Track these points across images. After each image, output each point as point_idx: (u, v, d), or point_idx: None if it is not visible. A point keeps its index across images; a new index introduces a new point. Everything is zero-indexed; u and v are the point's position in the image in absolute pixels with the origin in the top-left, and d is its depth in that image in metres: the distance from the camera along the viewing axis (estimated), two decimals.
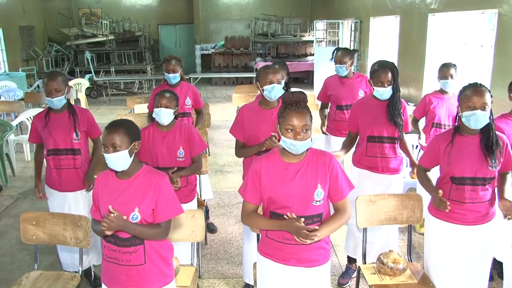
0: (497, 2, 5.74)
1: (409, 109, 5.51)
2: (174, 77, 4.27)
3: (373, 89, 3.25)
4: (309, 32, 15.51)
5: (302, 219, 2.08)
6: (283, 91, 3.09)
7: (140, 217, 2.19)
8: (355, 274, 3.49)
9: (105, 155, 2.17)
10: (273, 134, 2.82)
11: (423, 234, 3.31)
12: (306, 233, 2.06)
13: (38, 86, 12.06)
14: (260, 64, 13.10)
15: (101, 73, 13.41)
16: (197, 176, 4.03)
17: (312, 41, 13.93)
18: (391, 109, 3.23)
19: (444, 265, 2.73)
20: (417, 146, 4.61)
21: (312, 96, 6.48)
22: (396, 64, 3.32)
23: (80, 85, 10.35)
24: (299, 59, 14.67)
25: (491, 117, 2.54)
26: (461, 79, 5.51)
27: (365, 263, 3.04)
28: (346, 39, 12.70)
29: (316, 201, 2.18)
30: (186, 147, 3.19)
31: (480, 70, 6.55)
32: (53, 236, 2.92)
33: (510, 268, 3.05)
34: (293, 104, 2.13)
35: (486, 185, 2.60)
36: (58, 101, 3.21)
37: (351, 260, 3.67)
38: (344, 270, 3.70)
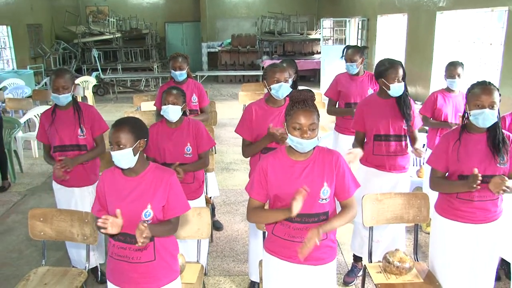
0: (507, 0, 5.69)
1: (416, 108, 5.49)
2: (180, 75, 4.27)
3: (389, 87, 3.19)
4: (315, 30, 15.46)
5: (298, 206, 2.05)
6: (291, 90, 3.09)
7: (152, 214, 2.21)
8: (361, 273, 3.48)
9: (111, 152, 2.18)
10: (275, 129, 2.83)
11: (429, 233, 3.30)
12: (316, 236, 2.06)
13: (45, 83, 12.13)
14: (266, 62, 13.09)
15: (108, 70, 13.47)
16: (204, 174, 4.05)
17: (318, 39, 13.88)
18: (403, 103, 3.21)
19: (450, 264, 2.71)
20: (424, 145, 4.59)
21: (319, 95, 6.46)
22: (403, 63, 3.30)
23: (87, 82, 10.40)
24: (305, 57, 14.64)
25: (499, 116, 2.52)
26: (469, 77, 5.48)
27: (371, 262, 3.04)
28: (353, 37, 12.65)
29: (322, 199, 2.18)
30: (194, 143, 3.20)
31: (489, 68, 6.50)
32: (61, 233, 2.94)
33: None
34: (301, 102, 2.12)
35: None
36: (65, 98, 3.25)
37: (357, 259, 3.66)
38: (350, 268, 3.69)
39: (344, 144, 4.18)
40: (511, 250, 3.11)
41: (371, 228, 3.03)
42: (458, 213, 2.62)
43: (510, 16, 5.64)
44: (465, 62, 4.09)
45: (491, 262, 2.73)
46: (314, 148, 2.20)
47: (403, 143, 3.31)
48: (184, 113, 3.26)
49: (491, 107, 2.46)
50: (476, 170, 2.39)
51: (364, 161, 3.42)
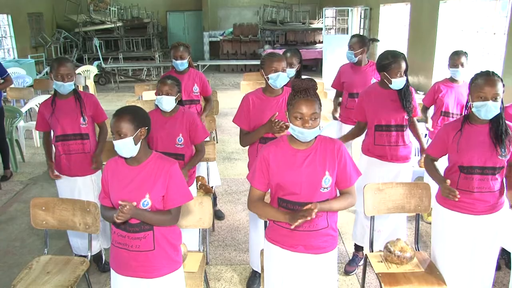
0: None
1: (419, 98, 5.48)
2: (182, 64, 4.25)
3: (391, 81, 3.17)
4: (318, 19, 15.37)
5: (302, 220, 2.07)
6: (288, 79, 3.08)
7: (151, 204, 2.21)
8: (362, 262, 3.50)
9: (113, 142, 2.18)
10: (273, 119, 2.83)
11: (430, 223, 3.31)
12: (303, 214, 2.05)
13: (47, 73, 12.10)
14: (268, 51, 13.02)
15: (109, 60, 13.42)
16: (205, 163, 4.06)
17: (321, 29, 13.80)
18: (403, 96, 3.20)
19: (451, 254, 2.72)
20: (426, 134, 4.58)
21: (321, 84, 6.44)
22: (405, 52, 3.29)
23: (88, 72, 10.37)
24: (307, 46, 14.57)
25: (502, 106, 2.50)
26: (472, 67, 5.44)
27: (372, 251, 3.05)
28: (355, 27, 12.55)
29: (324, 188, 2.18)
30: (186, 134, 3.21)
31: (492, 58, 6.46)
32: (63, 222, 2.95)
33: None
34: (302, 91, 2.11)
35: (495, 175, 2.58)
36: (69, 86, 3.26)
37: (358, 248, 3.68)
38: (351, 258, 3.71)
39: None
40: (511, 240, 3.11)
41: (372, 218, 3.03)
42: (458, 203, 2.62)
43: None
44: (468, 52, 4.06)
45: (492, 252, 2.74)
46: (316, 137, 2.19)
47: (405, 133, 3.30)
48: (179, 102, 3.26)
49: (494, 99, 2.44)
50: (448, 181, 2.54)
51: (365, 151, 3.42)
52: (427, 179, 3.57)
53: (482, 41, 6.89)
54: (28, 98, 7.29)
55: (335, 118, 4.65)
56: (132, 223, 2.22)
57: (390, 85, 3.18)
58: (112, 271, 2.38)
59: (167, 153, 3.05)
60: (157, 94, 3.16)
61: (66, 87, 3.24)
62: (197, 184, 3.77)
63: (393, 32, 10.47)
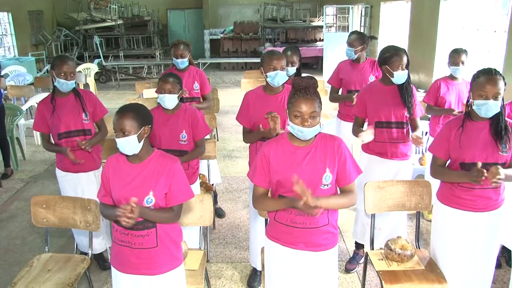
0: None
1: (420, 96, 5.47)
2: (182, 62, 4.25)
3: (392, 74, 3.16)
4: (318, 17, 15.34)
5: (305, 199, 2.02)
6: (287, 78, 3.08)
7: (154, 201, 2.21)
8: (362, 260, 3.51)
9: (116, 139, 2.18)
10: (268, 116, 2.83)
11: (431, 221, 3.31)
12: (309, 206, 2.02)
13: (47, 71, 12.10)
14: (268, 49, 13.01)
15: (110, 58, 13.42)
16: (206, 161, 4.06)
17: (321, 27, 13.79)
18: (405, 91, 3.20)
19: (451, 251, 2.72)
20: (426, 132, 4.58)
21: (322, 82, 6.43)
22: (406, 50, 3.28)
23: (89, 70, 10.37)
24: (308, 44, 14.55)
25: (502, 104, 2.50)
26: (473, 65, 5.43)
27: (373, 249, 3.05)
28: (356, 25, 12.54)
29: (324, 185, 2.18)
30: (189, 131, 3.21)
31: (493, 56, 6.45)
32: (63, 220, 2.95)
33: None
34: (302, 90, 2.11)
35: None
36: (72, 84, 3.29)
37: (359, 246, 3.68)
38: (351, 255, 3.71)
39: (347, 131, 4.18)
40: None
41: (373, 216, 3.03)
42: (460, 201, 2.62)
43: None
44: (468, 50, 4.05)
45: (492, 250, 2.74)
46: (316, 134, 2.19)
47: (405, 130, 3.30)
48: (181, 100, 3.25)
49: (495, 98, 2.44)
50: (479, 164, 2.37)
51: (365, 148, 3.42)
52: (428, 177, 3.57)
53: (482, 39, 6.87)
54: (28, 96, 7.29)
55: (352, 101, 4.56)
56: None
57: (392, 79, 3.18)
58: (113, 268, 2.38)
59: (170, 150, 3.06)
60: (158, 92, 3.16)
61: (69, 85, 3.25)
62: None
63: (394, 30, 10.46)
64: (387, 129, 3.27)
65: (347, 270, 3.59)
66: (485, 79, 2.46)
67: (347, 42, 4.30)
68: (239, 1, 17.04)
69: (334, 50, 10.96)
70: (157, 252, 2.28)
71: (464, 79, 3.99)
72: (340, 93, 4.48)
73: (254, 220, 3.31)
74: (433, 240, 2.91)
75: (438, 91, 4.05)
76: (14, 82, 8.74)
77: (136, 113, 2.20)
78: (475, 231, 2.65)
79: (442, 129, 2.74)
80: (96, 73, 11.22)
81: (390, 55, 3.17)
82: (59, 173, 3.46)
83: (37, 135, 6.87)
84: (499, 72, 2.48)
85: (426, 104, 4.17)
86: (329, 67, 10.87)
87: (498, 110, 2.47)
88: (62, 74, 3.21)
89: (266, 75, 3.02)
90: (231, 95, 9.95)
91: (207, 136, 3.51)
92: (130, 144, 2.17)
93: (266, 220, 2.77)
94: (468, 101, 2.61)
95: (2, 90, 5.47)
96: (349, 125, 4.21)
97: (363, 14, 11.95)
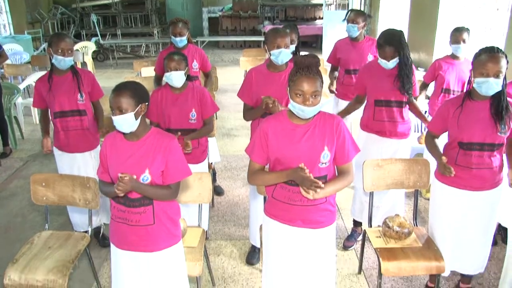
0: None
1: (420, 75, 5.45)
2: (180, 41, 4.21)
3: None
4: None
5: (307, 171, 2.06)
6: (291, 56, 3.05)
7: (150, 179, 2.21)
8: (360, 238, 3.54)
9: (112, 117, 2.17)
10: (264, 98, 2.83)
11: (429, 199, 3.33)
12: (311, 181, 2.04)
13: (44, 49, 11.97)
14: (268, 27, 12.87)
15: (107, 36, 13.27)
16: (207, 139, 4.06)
17: (321, 4, 13.62)
18: (401, 78, 3.17)
19: (448, 229, 2.75)
20: (426, 111, 4.57)
21: (321, 61, 6.38)
22: (406, 29, 3.25)
23: (86, 48, 10.26)
24: (307, 22, 14.39)
25: (504, 83, 2.49)
26: (474, 43, 5.39)
27: (371, 227, 3.07)
28: (356, 3, 12.38)
29: (322, 163, 2.18)
30: (198, 109, 3.19)
31: (495, 34, 6.39)
32: (63, 197, 2.97)
33: None
34: (305, 68, 2.09)
35: (494, 151, 2.58)
36: (69, 61, 3.25)
37: (357, 224, 3.71)
38: (349, 233, 3.74)
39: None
40: (509, 216, 3.13)
41: (371, 194, 3.05)
42: (457, 180, 2.64)
43: None
44: (470, 28, 4.01)
45: (488, 228, 2.77)
46: None
47: (404, 109, 3.29)
48: (188, 78, 3.23)
49: (496, 76, 2.42)
50: (444, 159, 2.56)
51: (364, 126, 3.42)
52: (427, 155, 3.58)
53: (484, 17, 6.80)
54: (25, 75, 7.23)
55: (331, 91, 4.62)
56: (132, 197, 2.23)
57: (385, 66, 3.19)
58: (112, 245, 2.40)
59: (180, 129, 3.06)
60: (165, 71, 3.12)
61: (66, 62, 3.22)
62: None
63: (395, 8, 10.34)
64: (387, 107, 3.26)
65: (345, 247, 3.62)
66: (487, 57, 2.44)
67: (348, 19, 4.25)
68: None
69: (333, 28, 10.84)
70: (154, 229, 2.29)
71: (466, 58, 3.96)
72: (338, 72, 4.48)
73: (253, 198, 3.32)
74: (430, 218, 2.93)
75: (437, 70, 4.03)
76: (10, 61, 8.63)
77: (133, 91, 2.19)
78: (472, 209, 2.68)
79: (441, 106, 2.75)
80: (94, 51, 11.11)
81: (379, 45, 3.18)
82: (56, 151, 3.47)
83: (35, 113, 6.84)
84: (501, 50, 2.46)
85: (421, 81, 4.17)
86: (328, 45, 10.73)
87: (499, 88, 2.46)
88: (60, 51, 3.18)
89: (270, 53, 3.00)
90: (230, 74, 9.88)
91: (217, 111, 3.50)
92: (127, 122, 2.16)
93: (265, 197, 2.78)
94: (469, 79, 2.59)
95: None
96: (345, 103, 4.20)
97: None
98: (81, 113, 3.35)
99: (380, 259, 2.71)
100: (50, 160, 5.29)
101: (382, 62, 3.19)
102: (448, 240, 2.76)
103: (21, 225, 4.06)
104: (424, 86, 4.19)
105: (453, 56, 4.01)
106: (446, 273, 2.80)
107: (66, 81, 3.30)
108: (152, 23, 15.36)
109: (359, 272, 3.32)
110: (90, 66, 9.56)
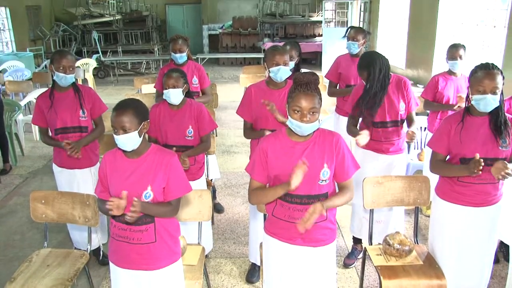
0: None
1: (418, 91, 5.47)
2: (181, 57, 4.24)
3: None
4: (317, 12, 15.30)
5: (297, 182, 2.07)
6: (290, 73, 3.08)
7: (152, 196, 2.21)
8: (361, 255, 3.51)
9: (115, 136, 2.17)
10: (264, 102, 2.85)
11: (429, 216, 3.31)
12: (318, 208, 2.07)
13: (45, 66, 12.05)
14: (267, 44, 12.98)
15: (108, 53, 13.38)
16: (205, 156, 4.06)
17: (320, 22, 13.76)
18: (366, 102, 3.18)
19: (449, 246, 2.73)
20: (425, 128, 4.58)
21: (320, 78, 6.41)
22: (405, 45, 3.28)
23: (87, 65, 10.34)
24: (307, 39, 14.51)
25: (502, 98, 2.50)
26: (472, 60, 5.43)
27: (371, 244, 3.05)
28: (355, 20, 12.52)
29: (322, 180, 2.18)
30: (195, 126, 3.20)
31: (492, 51, 6.45)
32: (62, 215, 2.95)
33: None
34: (303, 85, 2.11)
35: None
36: (71, 78, 3.27)
37: (357, 241, 3.69)
38: (350, 251, 3.72)
39: (345, 126, 4.18)
40: (510, 233, 3.12)
41: (371, 211, 3.04)
42: (459, 196, 2.63)
43: None
44: (468, 45, 4.05)
45: (490, 245, 2.75)
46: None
47: (400, 127, 3.31)
48: (186, 94, 3.25)
49: (493, 92, 2.44)
50: (477, 156, 2.38)
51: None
52: (426, 172, 3.57)
53: (482, 34, 6.87)
54: (27, 92, 7.27)
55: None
56: None
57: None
58: (111, 264, 2.39)
59: (177, 146, 3.07)
60: (163, 89, 3.14)
61: (68, 79, 3.24)
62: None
63: (393, 25, 10.44)
64: (383, 128, 3.27)
65: (346, 265, 3.60)
66: (483, 74, 2.46)
67: (348, 37, 4.29)
68: None
69: (333, 45, 10.95)
70: (155, 247, 2.28)
71: (463, 74, 3.99)
72: (338, 87, 4.49)
73: (253, 216, 3.31)
74: (431, 235, 2.92)
75: (436, 87, 4.05)
76: (12, 78, 8.70)
77: (135, 109, 2.20)
78: (473, 226, 2.66)
79: (442, 124, 2.73)
80: (95, 68, 11.19)
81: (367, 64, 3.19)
82: (55, 168, 3.47)
83: (35, 130, 6.86)
84: (497, 66, 2.48)
85: (424, 100, 4.17)
86: (328, 62, 10.82)
87: (497, 104, 2.47)
88: (61, 68, 3.20)
89: (269, 70, 3.02)
90: (230, 90, 9.94)
91: (215, 128, 3.50)
92: (131, 141, 2.17)
93: (265, 215, 2.77)
94: (467, 96, 2.61)
95: (0, 86, 5.46)
96: (347, 120, 4.22)
97: (362, 9, 11.93)
98: (82, 130, 3.35)
99: (381, 277, 2.69)
100: (50, 177, 5.28)
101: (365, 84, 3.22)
102: (449, 258, 2.74)
103: (19, 243, 4.04)
104: (428, 103, 4.16)
105: (450, 72, 4.04)
106: None
107: (68, 98, 3.32)
108: (152, 40, 15.49)
109: None
110: (91, 83, 9.62)
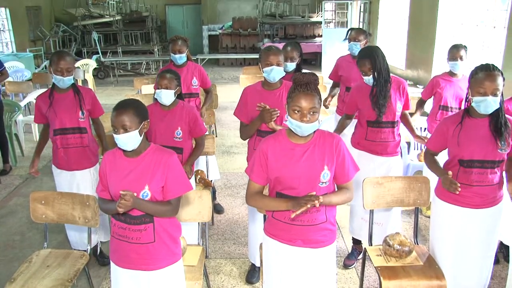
0: None
1: (417, 92, 5.47)
2: (180, 58, 4.24)
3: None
4: (317, 13, 15.31)
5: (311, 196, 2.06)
6: (284, 73, 3.08)
7: (150, 195, 2.21)
8: (361, 256, 3.51)
9: (116, 136, 2.17)
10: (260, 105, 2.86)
11: (429, 217, 3.31)
12: (308, 199, 2.05)
13: (45, 66, 12.06)
14: (267, 45, 12.99)
15: (108, 54, 13.38)
16: (205, 157, 4.07)
17: (320, 22, 13.77)
18: (375, 97, 3.19)
19: (449, 247, 2.73)
20: (425, 129, 4.58)
21: (320, 78, 6.42)
22: (405, 46, 3.29)
23: (87, 66, 10.35)
24: (307, 40, 14.53)
25: (502, 100, 2.50)
26: (472, 61, 5.42)
27: (371, 245, 3.05)
28: (355, 21, 12.53)
29: (322, 182, 2.17)
30: (185, 128, 3.22)
31: (492, 52, 6.45)
32: (62, 215, 2.95)
33: None
34: (303, 85, 2.11)
35: (494, 168, 2.58)
36: (69, 80, 3.26)
37: (357, 242, 3.69)
38: (350, 251, 3.71)
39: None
40: (510, 234, 3.12)
41: (371, 211, 3.04)
42: (458, 197, 2.62)
43: None
44: (468, 46, 4.05)
45: (490, 246, 2.75)
46: (314, 131, 2.19)
47: (396, 129, 3.32)
48: (179, 96, 3.26)
49: (494, 94, 2.43)
50: (450, 173, 2.52)
51: (356, 144, 3.43)
52: (426, 172, 3.57)
53: (482, 35, 6.87)
54: (27, 92, 7.27)
55: (325, 106, 4.65)
56: (133, 215, 2.23)
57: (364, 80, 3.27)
58: (112, 264, 2.39)
59: (165, 146, 3.06)
60: (156, 88, 3.17)
61: (65, 81, 3.23)
62: (196, 178, 3.78)
63: (393, 26, 10.44)
64: (378, 129, 3.28)
65: (346, 266, 3.60)
66: (484, 75, 2.45)
67: (349, 38, 4.30)
68: None
69: (333, 46, 10.97)
70: (154, 247, 2.28)
71: (464, 75, 3.99)
72: (339, 89, 4.51)
73: (252, 217, 3.31)
74: (431, 236, 2.92)
75: (435, 87, 4.06)
76: (12, 78, 8.69)
77: (136, 108, 2.21)
78: (473, 227, 2.66)
79: (440, 125, 2.74)
80: (95, 69, 11.20)
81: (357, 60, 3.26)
82: (54, 170, 3.46)
83: (35, 131, 6.86)
84: (497, 67, 2.47)
85: (419, 98, 4.21)
86: (328, 63, 10.87)
87: (498, 106, 2.46)
88: (59, 71, 3.20)
89: (262, 71, 3.03)
90: (230, 91, 9.94)
91: (206, 132, 3.52)
92: (132, 140, 2.17)
93: (264, 216, 2.77)
94: (466, 97, 2.61)
95: (0, 86, 5.46)
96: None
97: (362, 9, 11.94)
98: (82, 131, 3.35)
99: (381, 277, 2.69)
100: (50, 177, 5.27)
101: (365, 78, 3.24)
102: (449, 259, 2.74)
103: (19, 243, 4.04)
104: (421, 103, 4.23)
105: (451, 73, 4.04)
106: None
107: (67, 99, 3.31)
108: (152, 41, 15.50)
109: None
110: (90, 84, 9.63)
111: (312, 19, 14.96)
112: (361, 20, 12.01)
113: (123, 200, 2.08)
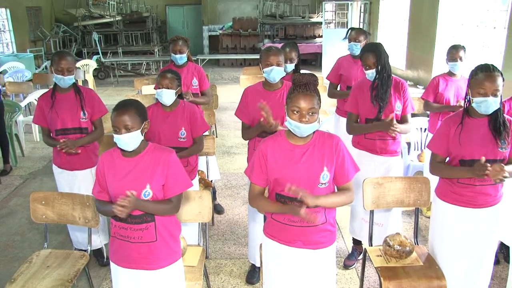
0: None
1: (418, 92, 5.47)
2: (181, 58, 4.24)
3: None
4: (317, 13, 15.32)
5: (304, 207, 2.04)
6: (284, 74, 3.08)
7: (152, 194, 2.22)
8: (361, 256, 3.51)
9: (117, 136, 2.17)
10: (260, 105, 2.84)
11: (429, 217, 3.31)
12: (309, 218, 2.06)
13: (46, 67, 12.06)
14: (267, 45, 12.99)
15: (108, 54, 13.39)
16: (205, 157, 4.06)
17: (320, 23, 13.78)
18: (376, 90, 3.19)
19: (450, 248, 2.73)
20: (425, 129, 4.58)
21: (321, 78, 6.42)
22: (405, 46, 3.29)
23: (87, 66, 10.35)
24: (307, 40, 14.53)
25: (501, 100, 2.50)
26: (472, 61, 5.43)
27: (372, 246, 3.05)
28: (355, 21, 12.53)
29: (322, 183, 2.17)
30: (188, 128, 3.21)
31: (492, 52, 6.45)
32: (62, 216, 2.95)
33: None
34: (302, 86, 2.11)
35: None
36: (69, 80, 3.26)
37: (357, 242, 3.68)
38: (350, 252, 3.71)
39: (345, 127, 4.18)
40: (510, 234, 3.12)
41: (371, 212, 3.04)
42: (459, 197, 2.63)
43: None
44: (468, 46, 4.05)
45: (491, 246, 2.75)
46: (314, 132, 2.19)
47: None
48: (179, 96, 3.25)
49: (494, 94, 2.43)
50: (483, 159, 2.38)
51: (356, 143, 3.42)
52: (427, 173, 3.57)
53: (482, 35, 6.87)
54: (27, 93, 7.28)
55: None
56: (134, 214, 2.23)
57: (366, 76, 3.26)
58: (112, 264, 2.39)
59: (170, 147, 3.06)
60: (157, 88, 3.16)
61: (66, 80, 3.24)
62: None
63: (393, 26, 10.45)
64: None
65: (346, 266, 3.60)
66: (484, 76, 2.45)
67: (349, 38, 4.29)
68: None
69: (333, 46, 10.96)
70: (156, 246, 2.28)
71: (463, 76, 3.99)
72: (339, 89, 4.49)
73: (252, 217, 3.31)
74: (431, 236, 2.92)
75: (436, 88, 4.05)
76: (12, 79, 8.70)
77: (137, 108, 2.22)
78: (473, 227, 2.66)
79: (441, 126, 2.73)
80: (95, 69, 11.20)
81: (361, 54, 3.27)
82: (55, 169, 3.47)
83: (36, 131, 6.87)
84: (497, 68, 2.48)
85: (424, 101, 4.17)
86: (328, 63, 10.86)
87: (498, 106, 2.47)
88: (59, 70, 3.21)
89: (263, 71, 3.03)
90: (230, 91, 9.94)
91: (206, 133, 3.51)
92: (134, 140, 2.18)
93: (264, 216, 2.77)
94: (466, 98, 2.61)
95: (0, 87, 5.46)
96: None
97: (362, 10, 11.94)
98: (83, 131, 3.35)
99: (381, 278, 2.69)
100: (50, 178, 5.29)
101: (367, 72, 3.24)
102: (449, 259, 2.74)
103: (20, 244, 4.04)
104: (427, 104, 4.16)
105: (450, 74, 4.04)
106: None
107: (69, 99, 3.32)
108: (153, 41, 15.52)
109: None
110: (91, 84, 9.62)
111: (312, 20, 14.97)
112: (361, 20, 12.01)
113: (124, 204, 2.07)
